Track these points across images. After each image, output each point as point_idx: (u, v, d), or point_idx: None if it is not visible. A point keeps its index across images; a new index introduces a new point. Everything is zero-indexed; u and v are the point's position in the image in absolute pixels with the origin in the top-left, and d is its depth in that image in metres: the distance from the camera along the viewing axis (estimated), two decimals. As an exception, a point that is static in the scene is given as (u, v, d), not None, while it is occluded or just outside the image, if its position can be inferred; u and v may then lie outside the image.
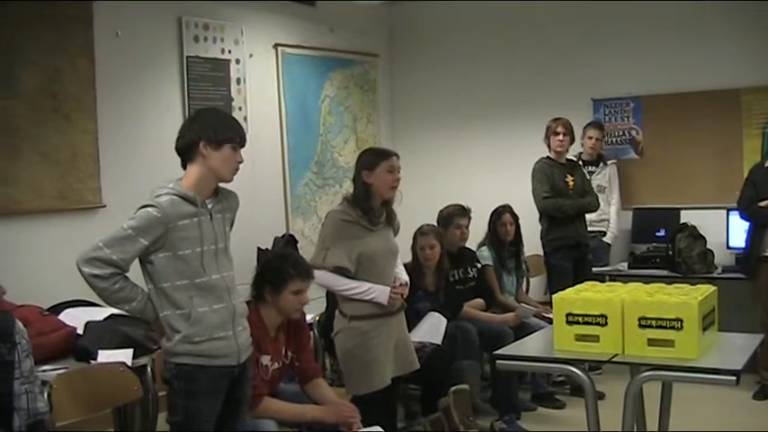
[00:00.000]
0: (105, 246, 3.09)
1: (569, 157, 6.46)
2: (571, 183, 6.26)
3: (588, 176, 6.63)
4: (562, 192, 6.21)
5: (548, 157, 6.30)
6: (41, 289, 4.94)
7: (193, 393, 3.21)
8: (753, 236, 5.98)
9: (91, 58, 5.56)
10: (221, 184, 3.36)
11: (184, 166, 3.29)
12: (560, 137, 6.20)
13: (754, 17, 6.75)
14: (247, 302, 3.60)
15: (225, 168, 3.26)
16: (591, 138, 7.02)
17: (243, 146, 3.33)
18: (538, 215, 6.35)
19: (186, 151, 3.28)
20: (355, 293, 4.23)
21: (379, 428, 4.02)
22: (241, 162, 3.31)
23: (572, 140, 6.39)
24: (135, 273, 3.21)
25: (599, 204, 6.55)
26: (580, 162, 6.72)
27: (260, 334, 3.85)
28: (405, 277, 4.45)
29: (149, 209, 3.14)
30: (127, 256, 3.11)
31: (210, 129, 3.24)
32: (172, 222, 3.14)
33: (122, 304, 3.18)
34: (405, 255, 4.70)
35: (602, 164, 7.15)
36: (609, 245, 7.14)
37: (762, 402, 5.83)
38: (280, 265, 4.00)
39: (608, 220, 7.10)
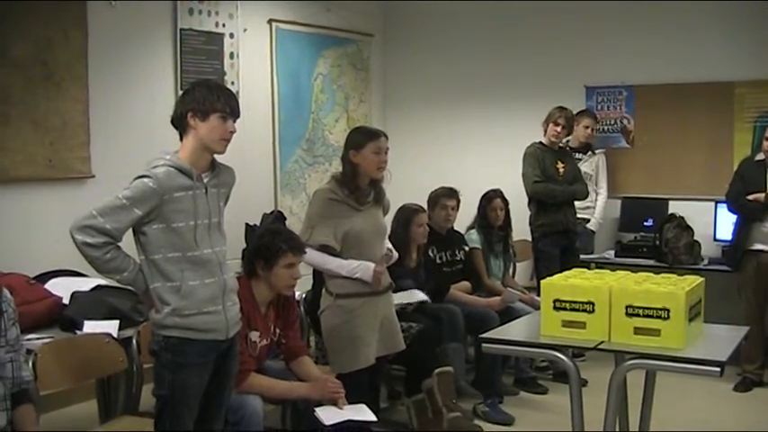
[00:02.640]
0: (99, 214, 3.07)
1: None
2: (561, 169, 6.27)
3: None
4: (552, 178, 6.22)
5: (540, 142, 6.30)
6: (28, 257, 4.93)
7: (181, 366, 3.21)
8: (739, 229, 6.01)
9: (84, 28, 5.50)
10: (218, 159, 3.35)
11: (182, 140, 3.28)
12: (558, 128, 6.21)
13: (750, 11, 6.74)
14: (238, 277, 3.59)
15: (212, 138, 3.23)
16: (587, 127, 7.01)
17: (235, 117, 3.29)
18: (527, 200, 6.36)
19: (179, 124, 3.27)
20: (339, 272, 4.24)
21: (364, 405, 4.04)
22: (233, 132, 3.28)
23: (568, 133, 6.40)
24: (127, 243, 3.19)
25: (588, 193, 6.59)
26: (567, 148, 6.72)
27: (250, 310, 3.86)
28: (395, 254, 4.49)
29: (145, 179, 3.12)
30: (120, 226, 3.09)
31: (197, 100, 3.22)
32: (167, 194, 3.13)
33: (113, 274, 3.17)
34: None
35: (590, 152, 7.14)
36: (593, 232, 7.16)
37: (742, 394, 5.88)
38: (272, 240, 4.01)
39: (593, 208, 7.10)
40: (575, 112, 6.62)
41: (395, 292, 4.71)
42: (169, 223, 3.15)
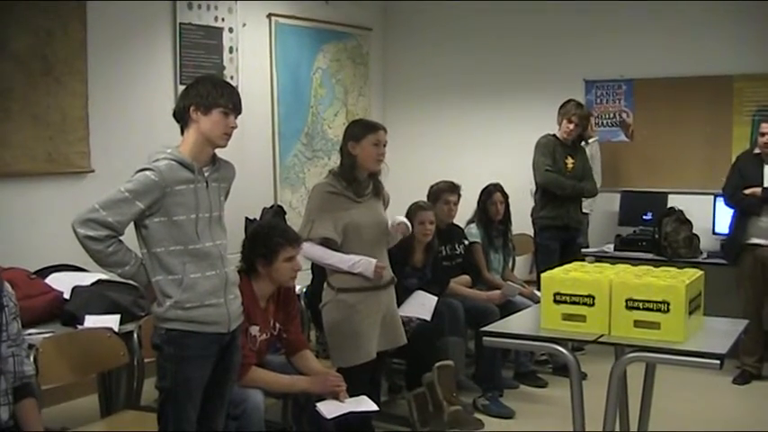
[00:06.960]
0: (102, 208, 3.08)
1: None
2: (570, 165, 6.25)
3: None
4: (560, 172, 6.20)
5: (553, 134, 6.29)
6: (28, 252, 4.94)
7: (183, 359, 3.22)
8: (737, 223, 6.02)
9: (83, 22, 5.51)
10: (218, 153, 3.37)
11: (183, 133, 3.30)
12: (571, 126, 6.19)
13: (749, 4, 6.74)
14: (238, 271, 3.60)
15: (214, 133, 3.26)
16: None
17: (237, 112, 3.32)
18: (526, 193, 6.37)
19: (181, 118, 3.29)
20: (341, 266, 4.24)
21: (365, 397, 4.06)
22: (234, 128, 3.31)
23: (583, 130, 6.37)
24: (129, 238, 3.20)
25: (597, 191, 6.57)
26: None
27: (250, 304, 3.86)
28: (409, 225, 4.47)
29: (147, 172, 3.14)
30: (123, 219, 3.11)
31: (201, 94, 3.25)
32: (169, 187, 3.15)
33: (115, 268, 3.18)
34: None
35: (583, 142, 7.05)
36: (587, 222, 7.13)
37: (741, 387, 5.90)
38: (268, 236, 4.01)
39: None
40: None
41: (400, 296, 4.71)
42: (171, 216, 3.17)
